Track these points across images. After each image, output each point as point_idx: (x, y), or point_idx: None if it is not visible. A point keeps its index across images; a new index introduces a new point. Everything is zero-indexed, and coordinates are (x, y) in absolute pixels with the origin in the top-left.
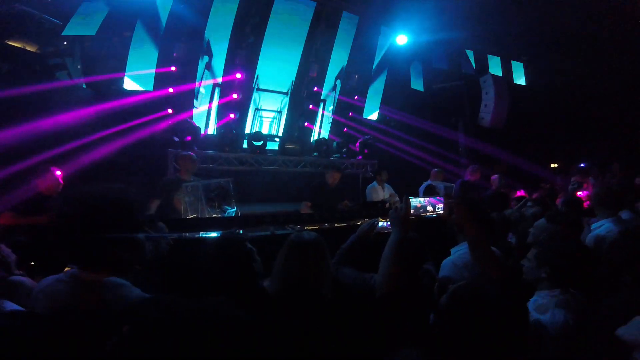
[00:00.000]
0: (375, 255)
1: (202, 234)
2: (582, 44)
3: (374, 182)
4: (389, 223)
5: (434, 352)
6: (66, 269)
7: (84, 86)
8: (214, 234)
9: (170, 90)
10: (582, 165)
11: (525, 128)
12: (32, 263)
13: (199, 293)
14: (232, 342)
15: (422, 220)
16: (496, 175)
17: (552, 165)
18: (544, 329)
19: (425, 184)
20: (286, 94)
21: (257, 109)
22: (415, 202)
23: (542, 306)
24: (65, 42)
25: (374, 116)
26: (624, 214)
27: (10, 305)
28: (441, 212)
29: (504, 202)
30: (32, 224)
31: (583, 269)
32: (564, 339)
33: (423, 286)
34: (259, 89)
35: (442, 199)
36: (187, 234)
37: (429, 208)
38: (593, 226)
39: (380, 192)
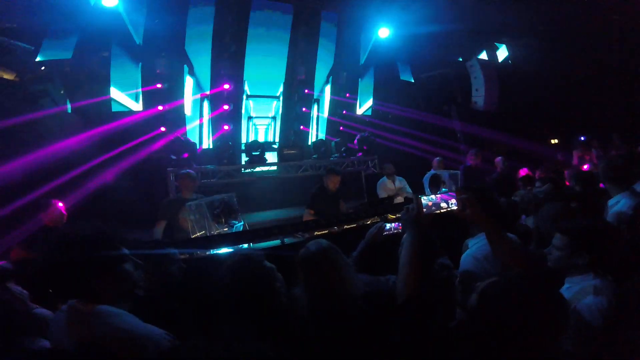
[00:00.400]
0: (386, 258)
1: (214, 251)
2: (562, 25)
3: (384, 177)
4: (397, 224)
5: (464, 352)
6: None
7: (70, 111)
8: (226, 250)
9: (160, 107)
10: (582, 138)
11: (519, 107)
12: (50, 290)
13: (220, 320)
14: None
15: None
16: (500, 157)
17: (552, 141)
18: (584, 318)
19: (429, 173)
20: (277, 97)
21: (250, 118)
22: (426, 200)
23: (577, 294)
24: (42, 68)
25: (367, 108)
26: (638, 186)
27: (40, 343)
28: (454, 207)
29: (511, 185)
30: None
31: (620, 251)
32: (608, 325)
33: (441, 280)
34: (249, 96)
35: (454, 194)
36: (198, 253)
37: (443, 205)
38: (610, 203)
39: (390, 185)
